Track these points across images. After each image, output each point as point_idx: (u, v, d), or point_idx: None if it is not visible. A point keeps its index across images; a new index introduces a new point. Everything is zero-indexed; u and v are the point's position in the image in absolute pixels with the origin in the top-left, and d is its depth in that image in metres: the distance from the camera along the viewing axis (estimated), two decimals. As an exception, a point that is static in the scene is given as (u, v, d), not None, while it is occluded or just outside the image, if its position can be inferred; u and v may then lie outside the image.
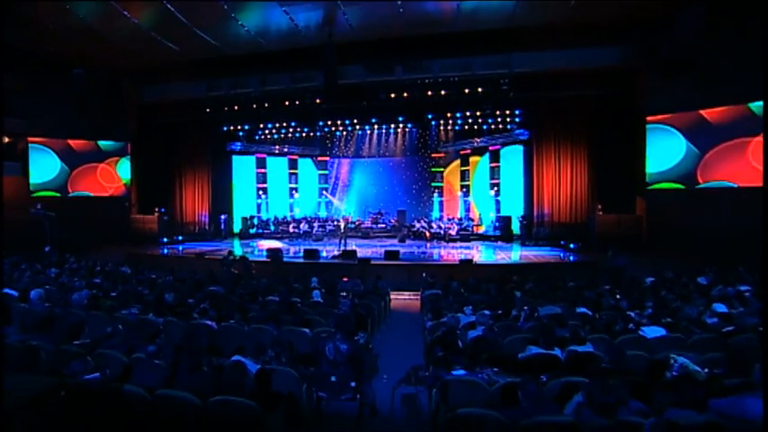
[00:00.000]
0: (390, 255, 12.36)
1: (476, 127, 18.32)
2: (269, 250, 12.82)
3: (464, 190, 20.01)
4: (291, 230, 18.85)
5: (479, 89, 14.41)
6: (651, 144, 13.42)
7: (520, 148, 17.20)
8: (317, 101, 15.72)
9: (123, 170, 18.23)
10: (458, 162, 20.48)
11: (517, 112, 16.70)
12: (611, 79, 14.12)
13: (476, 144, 18.97)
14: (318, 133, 20.80)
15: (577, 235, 14.67)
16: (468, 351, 3.87)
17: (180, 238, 17.70)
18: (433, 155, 20.90)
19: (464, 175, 20.17)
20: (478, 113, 16.91)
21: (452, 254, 13.52)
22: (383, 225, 19.53)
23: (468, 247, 15.12)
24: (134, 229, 17.58)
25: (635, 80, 13.91)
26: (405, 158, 20.96)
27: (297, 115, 18.09)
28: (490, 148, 18.55)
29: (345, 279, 8.83)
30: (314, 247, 13.60)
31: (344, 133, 21.24)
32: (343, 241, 15.28)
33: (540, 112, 15.63)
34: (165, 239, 17.01)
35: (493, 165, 18.59)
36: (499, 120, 17.37)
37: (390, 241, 17.27)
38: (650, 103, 13.26)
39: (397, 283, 10.57)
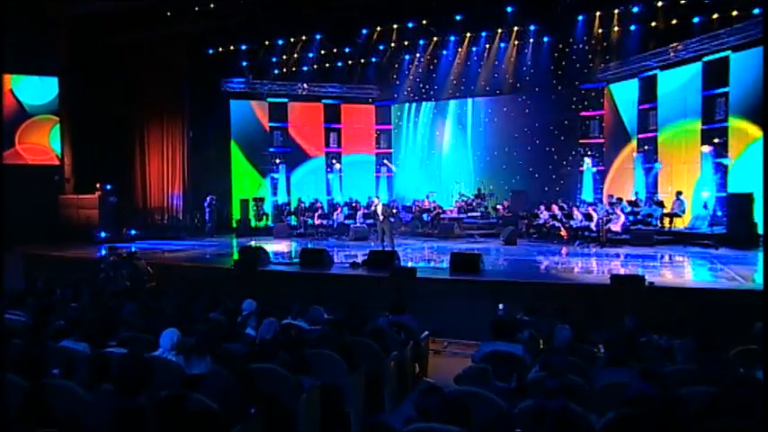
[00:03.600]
0: (460, 262, 10.55)
1: (674, 20, 15.67)
2: (242, 249, 12.47)
3: (646, 149, 17.15)
4: (317, 222, 17.45)
5: None
6: None
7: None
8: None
9: (27, 89, 16.82)
10: (633, 94, 17.75)
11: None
12: None
13: (673, 56, 16.19)
14: (374, 59, 19.23)
15: None
16: None
17: (133, 233, 16.77)
18: (582, 86, 18.57)
19: (646, 120, 17.35)
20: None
21: (608, 266, 12.04)
22: (477, 214, 17.83)
23: (648, 257, 13.01)
24: (63, 216, 16.63)
25: None
26: (526, 97, 19.31)
27: (320, 18, 16.66)
28: (705, 59, 15.50)
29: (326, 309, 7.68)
30: (319, 248, 12.58)
31: (415, 56, 19.58)
32: (387, 241, 13.83)
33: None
34: (104, 234, 15.80)
35: (711, 94, 15.44)
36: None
37: (490, 243, 15.66)
38: None
39: (464, 323, 9.09)
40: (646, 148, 17.06)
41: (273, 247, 15.38)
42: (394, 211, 15.79)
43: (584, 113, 18.54)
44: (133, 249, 15.03)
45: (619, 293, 8.93)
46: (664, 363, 5.15)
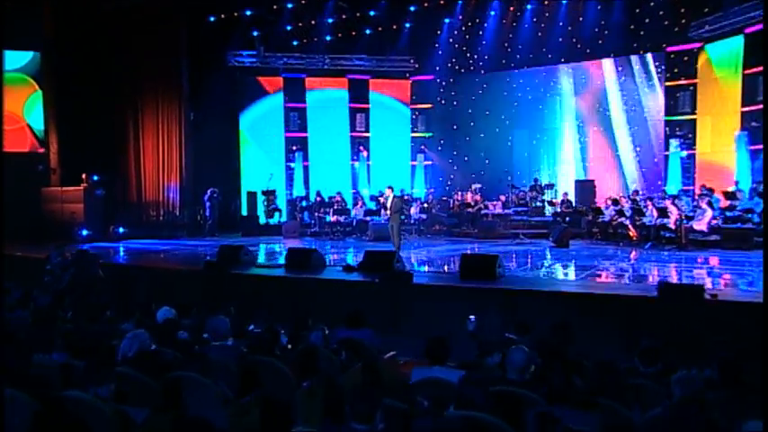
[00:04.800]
0: (472, 266, 10.26)
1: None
2: (220, 249, 12.81)
3: (753, 125, 15.88)
4: (334, 219, 17.14)
5: None
6: None
7: None
8: None
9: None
10: (737, 56, 16.55)
11: None
12: None
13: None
14: (407, 24, 18.81)
15: None
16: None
17: (121, 230, 16.73)
18: (669, 49, 17.66)
19: (754, 88, 15.97)
20: None
21: (689, 273, 11.69)
22: (526, 209, 17.31)
23: (738, 263, 12.21)
24: (46, 211, 16.78)
25: None
26: (597, 65, 18.86)
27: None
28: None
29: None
30: (308, 248, 12.54)
31: (457, 20, 18.98)
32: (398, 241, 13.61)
33: None
34: (86, 232, 15.74)
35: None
36: None
37: (539, 245, 15.21)
38: None
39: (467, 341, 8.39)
40: (753, 124, 15.66)
41: (280, 247, 15.07)
42: (406, 198, 15.18)
43: (671, 83, 17.48)
44: (117, 248, 15.28)
45: (667, 308, 8.29)
46: (664, 402, 4.70)
